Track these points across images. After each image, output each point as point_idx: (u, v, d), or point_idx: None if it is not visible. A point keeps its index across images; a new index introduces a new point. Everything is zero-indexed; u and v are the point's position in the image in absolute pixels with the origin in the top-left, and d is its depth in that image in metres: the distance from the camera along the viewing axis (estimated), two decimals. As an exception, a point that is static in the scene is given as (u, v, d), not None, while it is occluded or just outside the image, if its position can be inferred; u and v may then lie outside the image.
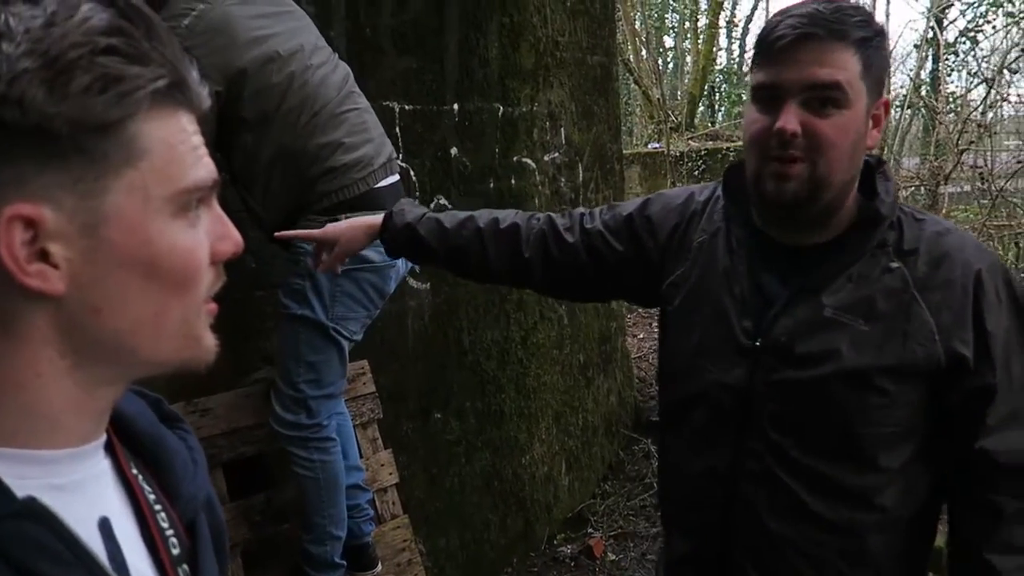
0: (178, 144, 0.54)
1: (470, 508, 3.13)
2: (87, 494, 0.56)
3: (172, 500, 0.63)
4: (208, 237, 0.57)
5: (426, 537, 2.85)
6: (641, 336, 5.84)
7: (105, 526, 0.56)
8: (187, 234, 0.55)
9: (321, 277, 1.93)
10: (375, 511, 2.42)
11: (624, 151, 5.15)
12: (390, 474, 2.50)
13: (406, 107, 2.79)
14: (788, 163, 1.07)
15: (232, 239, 0.58)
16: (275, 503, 2.22)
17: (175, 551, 0.61)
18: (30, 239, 0.49)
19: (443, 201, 2.95)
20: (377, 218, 1.52)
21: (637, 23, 12.81)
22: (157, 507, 0.61)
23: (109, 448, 0.59)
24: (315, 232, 1.58)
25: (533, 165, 3.37)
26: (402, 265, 2.07)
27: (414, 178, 2.84)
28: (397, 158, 2.16)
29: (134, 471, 0.60)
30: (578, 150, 3.78)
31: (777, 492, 1.14)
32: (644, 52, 12.26)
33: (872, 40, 1.07)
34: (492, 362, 3.20)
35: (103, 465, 0.58)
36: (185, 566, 0.62)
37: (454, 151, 2.99)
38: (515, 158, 3.27)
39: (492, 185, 3.16)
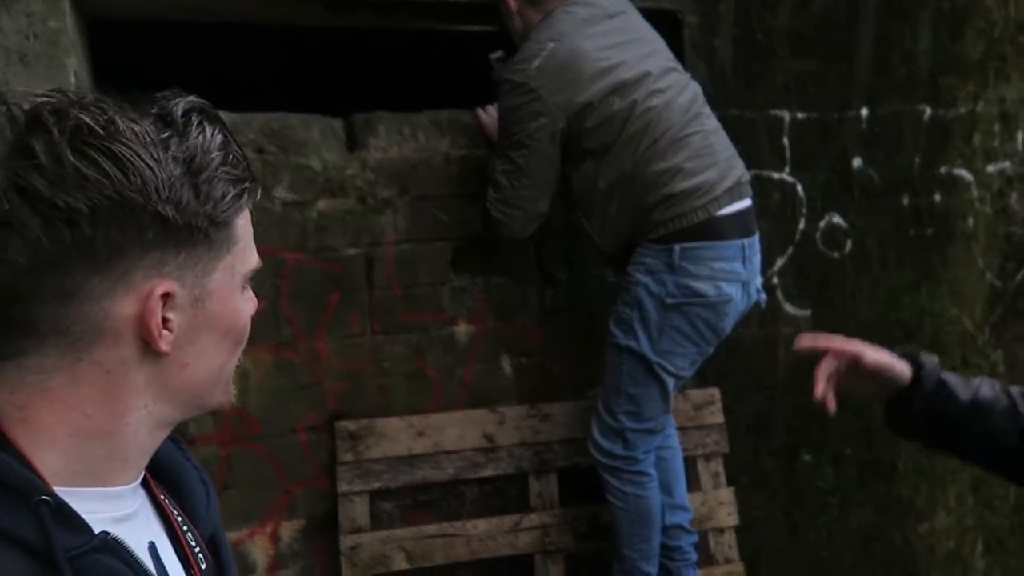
0: (249, 232, 0.66)
1: (840, 569, 2.75)
2: (138, 522, 0.64)
3: (192, 519, 0.71)
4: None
5: (776, 588, 2.60)
6: None
7: (153, 550, 0.64)
8: (247, 302, 0.68)
9: (650, 309, 1.87)
10: (707, 551, 2.29)
11: None
12: (729, 514, 2.33)
13: (798, 115, 2.52)
14: None
15: (255, 302, 0.70)
16: (602, 518, 2.25)
17: (203, 565, 0.69)
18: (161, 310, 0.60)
19: (837, 219, 2.60)
20: None
21: None
22: (184, 528, 0.69)
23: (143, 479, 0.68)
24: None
25: (969, 178, 2.75)
26: (739, 299, 1.89)
27: (801, 194, 2.56)
28: (748, 180, 1.96)
29: (162, 496, 0.69)
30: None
31: None
32: None
33: None
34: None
35: (143, 495, 0.67)
36: None
37: (857, 162, 2.61)
38: (943, 169, 2.71)
39: (906, 201, 2.68)
